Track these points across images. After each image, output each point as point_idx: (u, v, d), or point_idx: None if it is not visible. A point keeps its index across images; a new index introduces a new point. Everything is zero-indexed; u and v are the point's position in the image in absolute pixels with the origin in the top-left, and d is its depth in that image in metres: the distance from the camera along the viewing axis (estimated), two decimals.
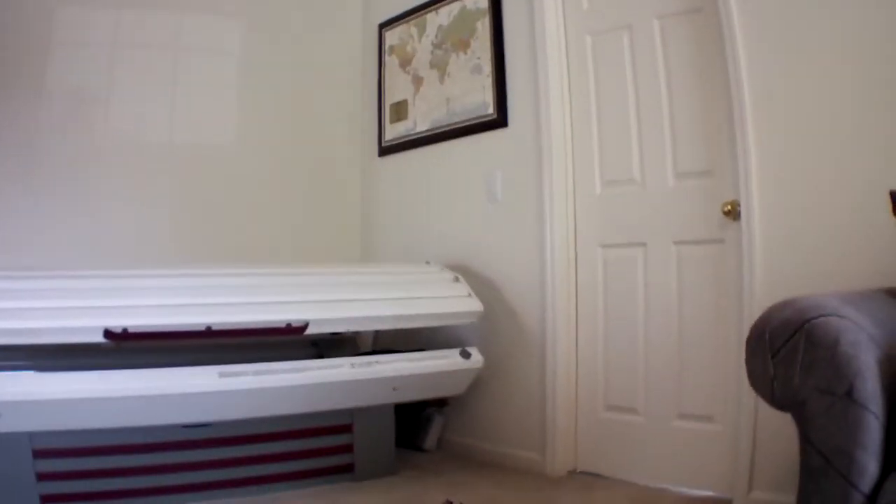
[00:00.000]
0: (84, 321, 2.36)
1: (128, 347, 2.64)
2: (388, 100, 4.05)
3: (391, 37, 4.07)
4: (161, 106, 3.81)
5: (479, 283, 3.38)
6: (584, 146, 3.19)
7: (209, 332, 2.47)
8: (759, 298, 2.46)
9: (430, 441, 3.49)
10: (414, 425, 3.53)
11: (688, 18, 2.85)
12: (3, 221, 3.39)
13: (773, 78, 2.50)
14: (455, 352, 2.98)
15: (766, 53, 2.52)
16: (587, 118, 3.19)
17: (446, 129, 3.65)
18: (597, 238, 3.14)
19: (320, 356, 3.04)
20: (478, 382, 3.28)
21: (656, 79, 2.96)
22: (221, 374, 2.51)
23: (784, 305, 1.57)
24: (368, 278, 3.02)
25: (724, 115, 2.68)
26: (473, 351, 3.03)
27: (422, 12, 3.86)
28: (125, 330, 2.38)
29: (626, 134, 3.05)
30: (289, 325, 2.58)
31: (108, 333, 2.36)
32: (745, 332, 2.37)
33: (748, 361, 1.59)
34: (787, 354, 1.50)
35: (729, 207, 2.64)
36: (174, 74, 3.85)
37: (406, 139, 3.91)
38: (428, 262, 3.38)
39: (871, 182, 2.25)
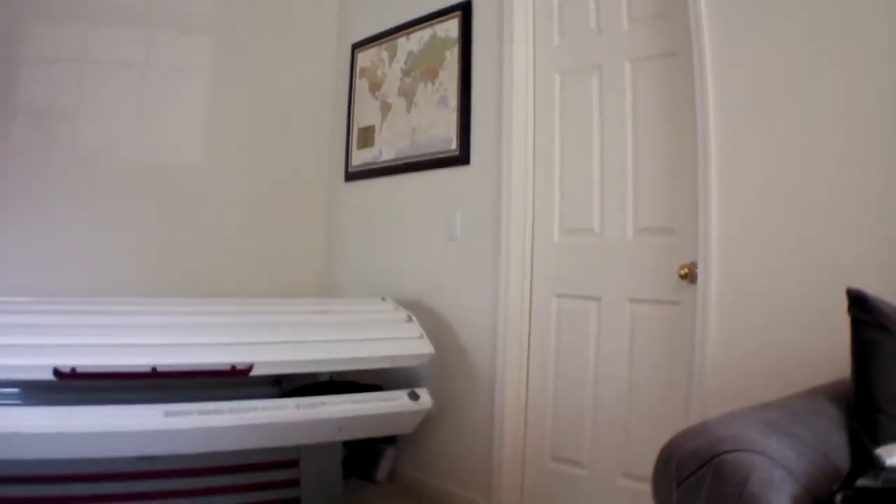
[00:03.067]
0: (33, 360, 2.62)
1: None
2: (357, 124, 4.30)
3: (363, 58, 4.32)
4: (128, 124, 4.06)
5: (434, 321, 3.63)
6: (545, 190, 3.40)
7: (155, 374, 2.76)
8: (711, 365, 2.61)
9: (381, 473, 3.76)
10: (366, 456, 3.79)
11: (661, 63, 3.00)
12: None
13: (743, 136, 2.61)
14: (403, 393, 3.22)
15: (738, 110, 2.63)
16: (550, 161, 3.38)
17: (410, 160, 3.90)
18: (552, 286, 3.35)
19: (278, 382, 3.33)
20: (429, 419, 3.52)
21: (623, 125, 3.12)
22: (167, 414, 2.77)
23: (696, 433, 1.59)
24: (320, 317, 3.29)
25: (689, 170, 2.82)
26: (422, 392, 3.26)
27: (393, 36, 4.10)
28: (73, 370, 2.66)
29: (589, 181, 3.22)
30: (233, 367, 2.84)
31: (57, 372, 2.64)
32: (695, 397, 2.67)
33: (653, 483, 1.62)
34: (693, 487, 1.51)
35: (686, 271, 2.79)
36: (142, 92, 4.09)
37: (372, 167, 4.16)
38: (383, 299, 3.63)
39: (833, 264, 2.37)
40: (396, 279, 3.95)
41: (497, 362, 3.40)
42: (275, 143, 4.40)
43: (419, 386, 3.37)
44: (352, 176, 4.32)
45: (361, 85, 4.31)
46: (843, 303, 1.89)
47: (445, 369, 3.61)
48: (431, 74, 3.83)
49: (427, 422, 3.52)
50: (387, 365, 3.27)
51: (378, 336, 3.25)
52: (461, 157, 3.63)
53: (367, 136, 4.23)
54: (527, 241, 3.44)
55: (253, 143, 4.33)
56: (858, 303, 1.90)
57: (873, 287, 2.12)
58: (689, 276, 2.80)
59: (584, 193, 3.25)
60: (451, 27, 3.75)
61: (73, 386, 2.89)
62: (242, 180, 4.29)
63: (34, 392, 2.84)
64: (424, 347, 3.29)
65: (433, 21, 3.86)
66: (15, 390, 2.84)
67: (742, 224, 2.62)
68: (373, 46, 4.26)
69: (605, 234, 3.17)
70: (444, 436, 3.63)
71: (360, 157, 4.27)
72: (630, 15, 3.14)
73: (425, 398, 3.28)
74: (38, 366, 2.63)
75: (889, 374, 1.82)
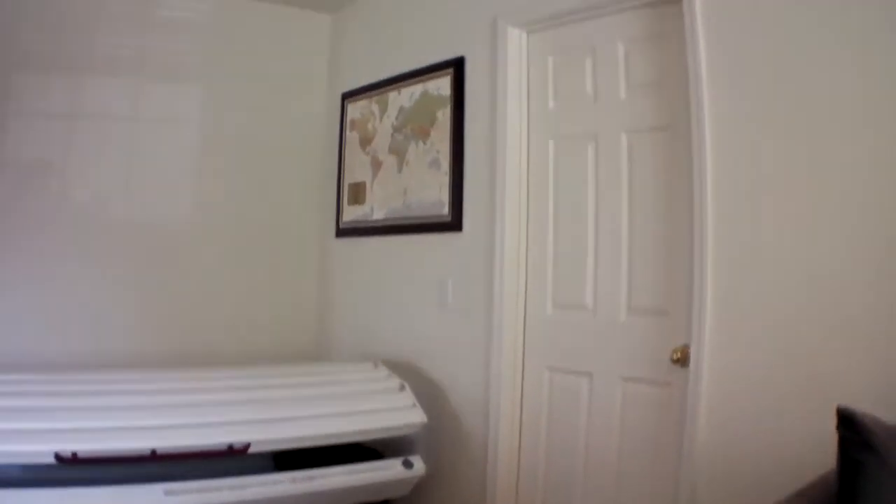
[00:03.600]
0: (35, 446, 2.69)
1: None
2: (348, 178, 4.36)
3: (353, 110, 4.37)
4: (118, 177, 4.11)
5: (426, 386, 3.70)
6: (538, 262, 3.44)
7: (155, 457, 2.82)
8: (700, 448, 2.67)
9: None
10: None
11: (658, 136, 3.03)
12: None
13: (741, 218, 2.63)
14: (397, 462, 3.30)
15: (737, 191, 2.64)
16: (544, 232, 3.42)
17: (402, 222, 3.96)
18: (544, 359, 3.40)
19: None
20: (422, 481, 3.57)
21: (619, 198, 3.15)
22: (167, 493, 2.84)
23: None
24: (314, 390, 3.34)
25: (685, 250, 2.84)
26: (416, 460, 3.34)
27: (385, 89, 4.15)
28: (74, 454, 2.72)
29: (583, 255, 3.25)
30: (230, 447, 2.91)
31: (58, 458, 2.70)
32: (684, 477, 2.72)
33: None
34: None
35: (678, 355, 2.81)
36: (132, 144, 4.15)
37: (363, 225, 4.23)
38: (376, 365, 3.70)
39: (823, 367, 2.40)
40: (388, 341, 4.02)
41: (489, 431, 3.46)
42: (265, 196, 4.47)
43: (412, 450, 3.46)
44: (343, 232, 4.39)
45: (352, 138, 4.37)
46: (832, 403, 1.93)
47: (438, 434, 3.68)
48: (423, 133, 3.90)
49: (420, 484, 3.60)
50: (381, 436, 3.35)
51: (371, 407, 3.33)
52: (453, 224, 3.69)
53: (358, 193, 4.29)
54: (519, 313, 3.49)
55: (243, 194, 4.40)
56: (846, 422, 1.94)
57: (863, 393, 2.23)
58: (682, 360, 2.82)
59: (578, 268, 3.29)
60: (443, 84, 3.81)
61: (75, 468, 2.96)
62: (233, 233, 4.36)
63: (35, 469, 2.90)
64: (417, 416, 3.37)
65: (425, 77, 3.91)
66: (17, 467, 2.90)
67: (736, 312, 2.64)
68: (363, 98, 4.31)
69: (599, 311, 3.21)
70: (436, 499, 3.70)
71: (352, 214, 4.33)
72: (628, 82, 3.17)
73: (419, 465, 3.36)
74: (40, 451, 2.69)
75: (874, 497, 1.91)
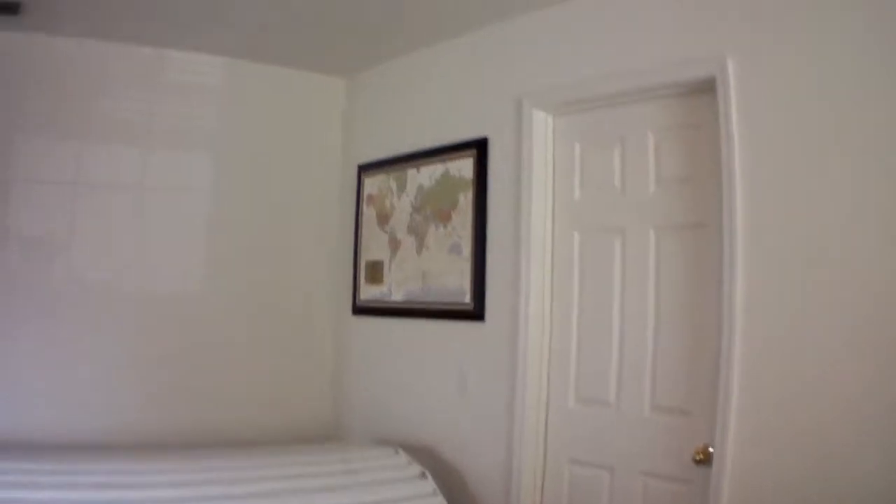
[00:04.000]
0: None
1: None
2: (365, 255, 4.32)
3: (370, 184, 4.32)
4: (127, 249, 4.03)
5: (446, 473, 3.64)
6: (561, 355, 3.41)
7: None
8: None
9: None
10: None
11: (688, 234, 3.01)
12: None
13: (770, 320, 2.61)
14: None
15: (767, 290, 2.63)
16: (568, 325, 3.39)
17: (421, 306, 3.92)
18: (566, 451, 3.36)
19: None
20: None
21: (645, 295, 3.11)
22: None
23: None
24: (333, 480, 3.30)
25: (711, 351, 2.80)
26: None
27: (403, 165, 4.11)
28: None
29: (607, 350, 3.21)
30: None
31: None
32: None
33: None
34: None
35: (701, 456, 2.78)
36: (140, 214, 4.07)
37: (381, 305, 4.19)
38: (397, 451, 3.64)
39: (857, 474, 2.36)
40: (406, 422, 3.97)
41: None
42: (279, 268, 4.39)
43: None
44: (360, 310, 4.33)
45: (369, 213, 4.31)
46: None
47: None
48: (444, 217, 3.84)
49: None
50: None
51: (394, 496, 3.29)
52: (475, 313, 3.65)
53: (375, 272, 4.23)
54: (541, 405, 3.45)
55: (256, 266, 4.32)
56: None
57: None
58: (704, 460, 2.80)
59: (602, 362, 3.25)
60: (464, 166, 3.75)
61: None
62: (246, 307, 4.28)
63: None
64: None
65: (446, 156, 3.87)
66: None
67: (762, 413, 2.61)
68: (380, 172, 4.26)
69: (621, 406, 3.18)
70: None
71: (369, 292, 4.27)
72: (658, 175, 3.14)
73: None
74: None
75: None
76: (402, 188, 4.11)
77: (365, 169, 4.37)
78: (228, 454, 3.52)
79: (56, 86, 3.90)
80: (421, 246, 3.96)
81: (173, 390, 4.03)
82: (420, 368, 3.94)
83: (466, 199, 3.73)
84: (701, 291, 2.93)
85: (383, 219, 4.22)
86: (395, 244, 4.12)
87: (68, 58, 3.91)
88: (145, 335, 4.00)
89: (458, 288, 3.73)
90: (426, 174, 3.97)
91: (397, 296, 4.08)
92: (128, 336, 3.96)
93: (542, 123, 3.50)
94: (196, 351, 4.11)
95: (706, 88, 2.88)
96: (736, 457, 2.67)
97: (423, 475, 3.45)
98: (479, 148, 3.69)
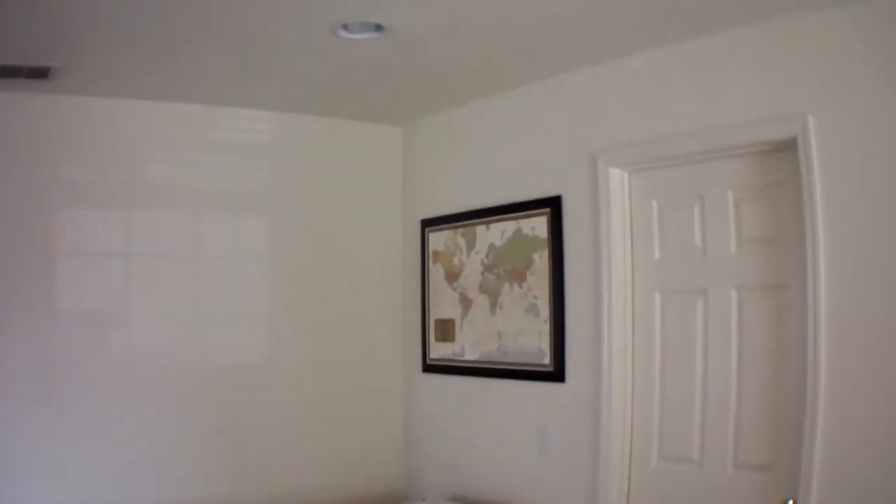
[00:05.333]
0: None
1: None
2: (434, 313, 4.32)
3: (436, 240, 4.34)
4: (182, 320, 3.98)
5: None
6: (644, 415, 3.41)
7: None
8: None
9: None
10: None
11: (771, 294, 3.02)
12: (17, 445, 3.56)
13: (857, 381, 2.63)
14: None
15: (852, 355, 2.64)
16: (650, 383, 3.39)
17: (498, 366, 3.92)
18: None
19: None
20: None
21: (728, 355, 3.12)
22: None
23: None
24: None
25: (794, 408, 2.83)
26: None
27: (471, 222, 4.11)
28: None
29: (690, 409, 3.23)
30: None
31: None
32: None
33: None
34: None
35: None
36: (196, 283, 4.04)
37: (453, 363, 4.19)
38: None
39: None
40: (481, 481, 3.96)
41: None
42: (343, 330, 4.35)
43: None
44: (430, 368, 4.34)
45: (436, 270, 4.33)
46: None
47: None
48: (518, 276, 3.85)
49: None
50: None
51: None
52: (556, 375, 3.65)
53: (446, 330, 4.24)
54: (625, 465, 3.45)
55: (319, 328, 4.28)
56: None
57: None
58: None
59: (685, 421, 3.26)
60: (538, 224, 3.77)
61: None
62: (310, 370, 4.25)
63: None
64: None
65: (517, 214, 3.88)
66: None
67: (845, 471, 2.63)
68: (447, 228, 4.27)
69: (705, 464, 3.19)
70: None
71: (440, 351, 4.28)
72: (739, 236, 3.15)
73: None
74: None
75: None
76: (471, 245, 4.13)
77: (429, 224, 4.39)
78: None
79: (97, 152, 3.83)
80: (495, 305, 3.96)
81: (238, 460, 3.99)
82: (497, 427, 3.93)
83: (542, 259, 3.75)
84: (783, 351, 2.96)
85: (452, 276, 4.23)
86: (466, 303, 4.12)
87: (105, 119, 3.84)
88: (205, 408, 3.94)
89: (537, 350, 3.73)
90: (497, 231, 3.98)
91: (471, 355, 4.09)
92: (187, 409, 3.91)
93: (618, 181, 3.50)
94: (260, 421, 4.07)
95: (787, 147, 2.89)
96: None
97: None
98: (553, 206, 3.70)
